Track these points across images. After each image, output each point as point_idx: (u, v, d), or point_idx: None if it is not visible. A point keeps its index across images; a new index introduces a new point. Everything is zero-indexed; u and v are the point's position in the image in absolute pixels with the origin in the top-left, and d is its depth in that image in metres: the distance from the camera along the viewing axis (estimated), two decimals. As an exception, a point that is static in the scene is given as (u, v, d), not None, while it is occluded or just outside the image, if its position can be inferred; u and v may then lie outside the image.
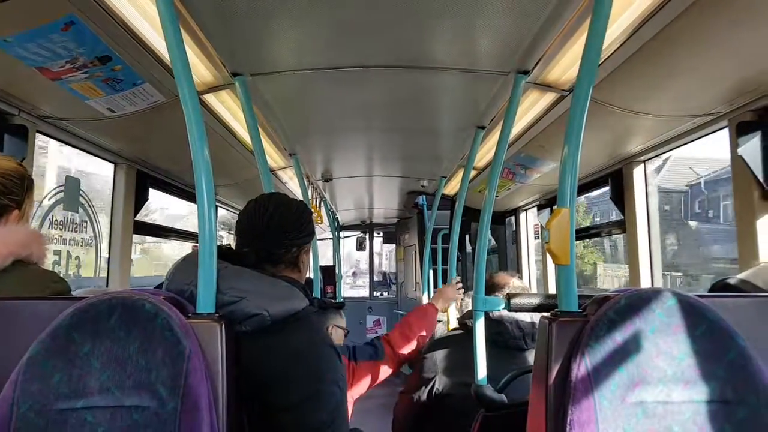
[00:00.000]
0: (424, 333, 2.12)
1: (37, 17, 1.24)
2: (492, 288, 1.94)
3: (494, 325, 1.84)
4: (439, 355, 1.94)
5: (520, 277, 2.07)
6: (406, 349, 2.06)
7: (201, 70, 1.74)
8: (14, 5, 1.16)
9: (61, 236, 2.68)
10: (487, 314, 1.82)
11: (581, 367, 0.93)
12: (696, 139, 2.10)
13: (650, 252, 2.46)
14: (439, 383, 1.88)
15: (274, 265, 1.29)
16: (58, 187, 2.66)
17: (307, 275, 1.48)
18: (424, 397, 1.89)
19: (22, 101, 1.71)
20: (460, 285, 2.49)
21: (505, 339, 1.82)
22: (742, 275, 1.28)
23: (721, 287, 1.27)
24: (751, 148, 1.71)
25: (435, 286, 4.07)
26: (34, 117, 1.81)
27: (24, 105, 1.73)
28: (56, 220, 2.63)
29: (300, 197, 3.41)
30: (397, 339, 2.05)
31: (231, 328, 1.07)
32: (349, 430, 1.22)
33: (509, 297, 1.63)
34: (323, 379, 1.16)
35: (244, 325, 1.12)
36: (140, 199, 2.68)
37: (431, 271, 4.12)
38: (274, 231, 1.29)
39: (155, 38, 1.49)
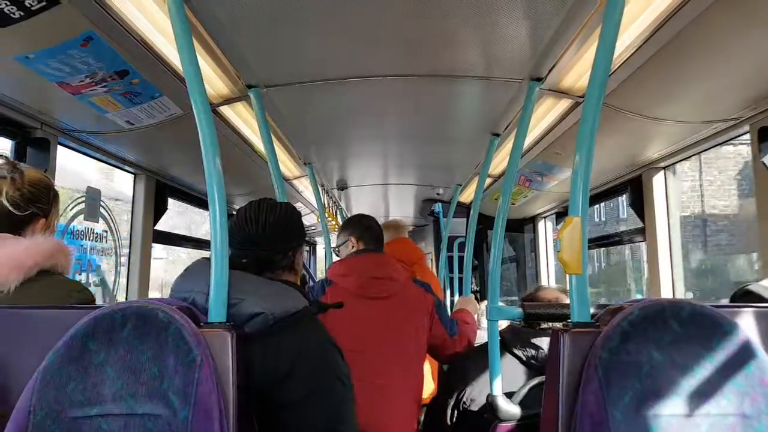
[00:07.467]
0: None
1: (57, 34, 1.27)
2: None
3: (533, 349, 1.73)
4: (471, 365, 1.88)
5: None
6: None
7: (216, 82, 1.77)
8: (35, 23, 1.19)
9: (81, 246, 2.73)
10: (527, 338, 1.75)
11: (593, 378, 0.91)
12: (718, 145, 2.06)
13: (671, 261, 2.41)
14: (468, 394, 1.84)
15: (272, 271, 1.31)
16: (79, 197, 2.72)
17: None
18: (451, 403, 1.84)
19: (44, 115, 1.75)
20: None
21: (541, 364, 1.70)
22: (765, 282, 1.24)
23: (742, 295, 1.23)
24: (773, 153, 1.68)
25: (452, 294, 4.05)
26: (55, 130, 1.86)
27: (46, 119, 1.77)
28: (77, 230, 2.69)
29: (315, 206, 3.44)
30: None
31: (240, 337, 1.08)
32: (358, 427, 1.21)
33: (524, 306, 1.61)
34: (325, 375, 1.17)
35: (246, 326, 1.12)
36: (159, 209, 2.72)
37: (448, 279, 4.11)
38: (269, 239, 1.31)
39: (171, 52, 1.52)
